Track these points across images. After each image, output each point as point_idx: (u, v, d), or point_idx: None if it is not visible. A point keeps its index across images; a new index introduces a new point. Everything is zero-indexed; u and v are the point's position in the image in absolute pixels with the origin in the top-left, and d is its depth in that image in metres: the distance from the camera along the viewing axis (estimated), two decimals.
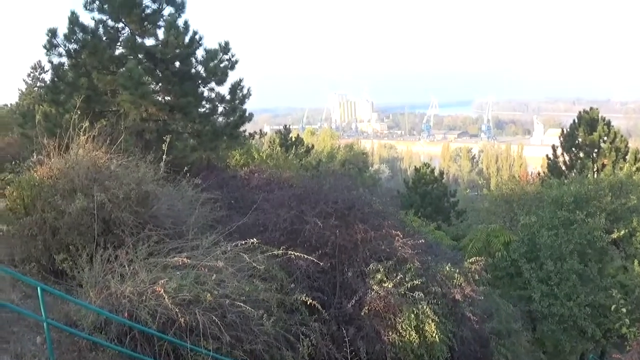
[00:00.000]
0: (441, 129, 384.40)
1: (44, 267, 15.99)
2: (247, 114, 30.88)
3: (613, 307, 22.36)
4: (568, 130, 57.03)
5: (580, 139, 54.56)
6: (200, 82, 29.71)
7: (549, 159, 57.36)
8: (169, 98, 29.41)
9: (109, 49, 28.48)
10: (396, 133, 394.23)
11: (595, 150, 53.56)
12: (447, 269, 18.58)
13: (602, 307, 27.18)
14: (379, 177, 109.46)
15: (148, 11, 29.05)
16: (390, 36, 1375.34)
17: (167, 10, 29.52)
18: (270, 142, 60.79)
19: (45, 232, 16.13)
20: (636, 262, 29.02)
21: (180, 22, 28.99)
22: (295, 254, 15.86)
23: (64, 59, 28.52)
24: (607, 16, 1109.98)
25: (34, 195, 16.82)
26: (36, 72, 72.91)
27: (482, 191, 69.03)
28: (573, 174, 49.93)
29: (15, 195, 17.27)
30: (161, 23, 29.22)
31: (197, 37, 29.38)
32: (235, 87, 30.46)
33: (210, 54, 29.33)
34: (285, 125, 79.59)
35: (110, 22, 29.01)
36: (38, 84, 69.89)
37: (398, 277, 17.00)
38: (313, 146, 79.42)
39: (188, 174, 19.86)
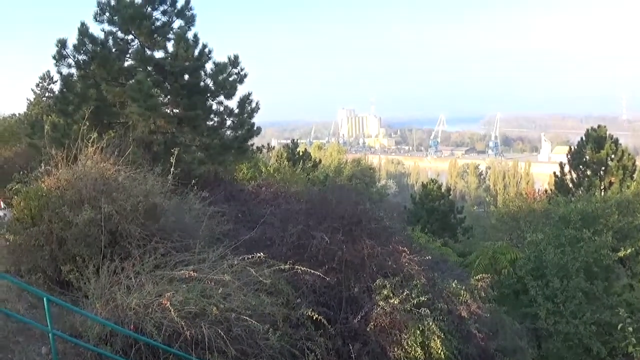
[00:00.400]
0: (449, 145, 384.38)
1: (50, 277, 16.02)
2: (255, 128, 30.86)
3: (620, 325, 22.26)
4: (576, 147, 56.95)
5: (587, 157, 54.42)
6: (209, 95, 29.71)
7: (556, 176, 57.25)
8: (177, 111, 29.42)
9: (118, 60, 28.50)
10: (404, 148, 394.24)
11: (603, 168, 53.38)
12: (454, 285, 18.57)
13: (608, 325, 27.04)
14: (386, 192, 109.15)
15: (158, 24, 29.11)
16: (398, 52, 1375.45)
17: (177, 23, 29.61)
18: (277, 156, 60.75)
19: (52, 242, 16.16)
20: None
21: (190, 35, 29.02)
22: (302, 268, 15.86)
23: (73, 70, 28.52)
24: (615, 34, 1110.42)
25: (42, 206, 16.82)
26: (45, 82, 72.82)
27: (489, 208, 69.05)
28: (580, 192, 49.84)
29: (22, 206, 17.27)
30: (171, 36, 29.23)
31: (206, 50, 29.42)
32: (244, 100, 30.45)
33: (220, 68, 29.34)
34: (293, 140, 79.57)
35: (119, 34, 29.04)
36: (46, 94, 69.91)
37: (404, 293, 16.97)
38: (320, 160, 79.40)
39: (195, 187, 19.87)
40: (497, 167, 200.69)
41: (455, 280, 19.05)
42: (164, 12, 29.26)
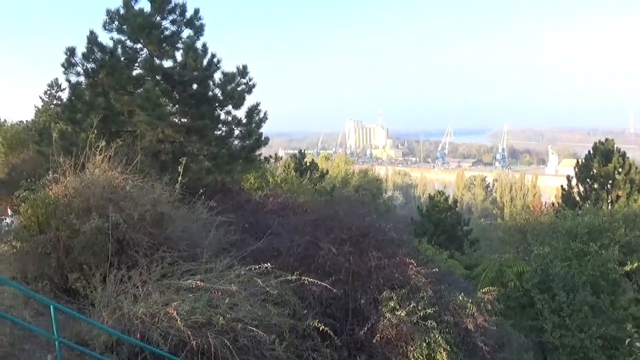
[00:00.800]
0: (456, 157, 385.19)
1: (56, 285, 16.01)
2: (263, 138, 30.90)
3: (627, 340, 22.21)
4: (583, 161, 56.94)
5: (595, 170, 54.43)
6: (217, 105, 29.73)
7: (563, 189, 57.19)
8: (185, 120, 29.47)
9: (127, 69, 28.56)
10: (411, 160, 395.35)
11: (610, 181, 53.39)
12: (460, 298, 18.49)
13: (614, 339, 26.97)
14: (392, 203, 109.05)
15: (167, 33, 29.20)
16: (406, 63, 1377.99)
17: (186, 32, 29.74)
18: (285, 166, 60.75)
19: (59, 250, 16.15)
20: None
21: (198, 44, 29.10)
22: (309, 279, 15.84)
23: (82, 78, 28.63)
24: (623, 47, 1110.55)
25: (49, 214, 16.82)
26: (53, 89, 73.09)
27: (496, 220, 68.89)
28: (587, 205, 49.66)
29: (30, 213, 17.27)
30: (180, 45, 29.31)
31: (215, 60, 29.49)
32: (252, 111, 30.49)
33: (228, 78, 29.38)
34: (300, 150, 79.55)
35: (128, 43, 29.13)
36: (54, 102, 70.08)
37: (411, 306, 16.94)
38: (327, 171, 79.35)
39: (203, 197, 19.85)
40: (504, 179, 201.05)
41: (462, 293, 18.97)
42: (173, 22, 29.38)
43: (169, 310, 12.81)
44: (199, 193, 19.76)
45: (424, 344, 16.51)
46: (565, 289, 27.74)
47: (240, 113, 30.48)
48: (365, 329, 16.74)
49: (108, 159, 18.08)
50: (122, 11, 28.39)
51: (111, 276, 14.30)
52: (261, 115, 30.89)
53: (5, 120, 69.68)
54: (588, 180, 54.81)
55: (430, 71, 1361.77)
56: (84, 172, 17.61)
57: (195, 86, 29.20)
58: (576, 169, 56.51)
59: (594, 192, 53.38)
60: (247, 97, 30.17)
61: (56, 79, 71.90)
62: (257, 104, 30.74)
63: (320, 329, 15.28)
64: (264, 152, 34.13)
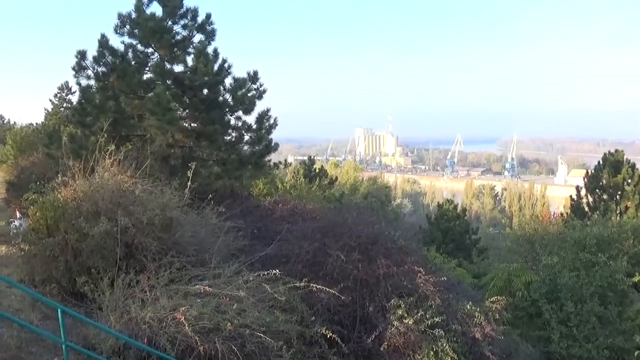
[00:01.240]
0: (465, 165, 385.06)
1: (64, 288, 16.03)
2: (272, 144, 30.78)
3: (636, 353, 22.16)
4: (592, 171, 56.90)
5: (604, 181, 54.27)
6: (227, 110, 29.68)
7: (572, 199, 57.08)
8: (195, 125, 29.45)
9: (137, 73, 28.58)
10: (420, 168, 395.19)
11: (619, 192, 53.26)
12: (468, 307, 18.44)
13: (621, 350, 26.91)
14: (401, 211, 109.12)
15: (178, 38, 29.21)
16: (417, 71, 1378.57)
17: (197, 37, 29.72)
18: (294, 172, 60.75)
19: (67, 253, 16.17)
20: None
21: (210, 49, 29.12)
22: (317, 286, 15.83)
23: (92, 82, 28.65)
24: (632, 58, 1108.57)
25: (58, 217, 16.84)
26: (63, 92, 73.32)
27: (505, 230, 68.68)
28: (596, 216, 49.58)
29: (38, 216, 17.30)
30: (191, 50, 29.36)
31: (226, 65, 29.43)
32: (262, 116, 30.42)
33: (239, 83, 29.31)
34: (310, 156, 79.65)
35: (139, 47, 29.15)
36: (64, 105, 70.25)
37: (419, 314, 16.90)
38: (337, 178, 79.36)
39: (212, 202, 19.82)
40: (513, 188, 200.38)
41: (470, 302, 18.93)
42: (184, 26, 29.37)
43: (177, 315, 12.81)
44: (208, 198, 19.73)
45: (432, 353, 16.48)
46: (573, 299, 27.68)
47: (251, 119, 30.44)
48: (373, 336, 16.70)
49: (117, 162, 18.13)
50: (133, 15, 28.42)
51: (119, 280, 14.31)
52: (271, 121, 30.81)
53: (15, 122, 69.91)
54: (597, 190, 54.68)
55: (440, 79, 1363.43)
56: (93, 175, 17.63)
57: (205, 91, 29.17)
58: (585, 180, 56.41)
59: (603, 203, 53.23)
60: (258, 102, 30.15)
61: (66, 81, 72.23)
62: (268, 110, 30.68)
63: (328, 336, 15.27)
64: (274, 158, 34.09)
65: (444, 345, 16.53)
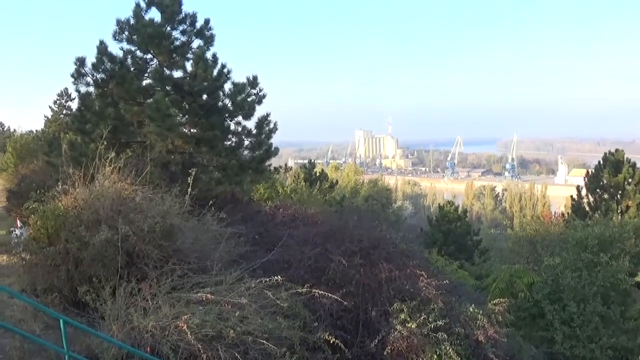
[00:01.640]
0: (465, 166, 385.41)
1: (66, 297, 16.00)
2: (273, 149, 30.70)
3: None
4: (593, 171, 56.97)
5: (605, 180, 54.30)
6: (227, 115, 29.60)
7: (573, 199, 57.10)
8: (195, 131, 29.38)
9: (136, 79, 28.48)
10: (420, 170, 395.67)
11: (620, 192, 53.28)
12: (471, 310, 18.43)
13: (625, 350, 26.99)
14: (402, 213, 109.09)
15: (177, 43, 29.13)
16: (416, 73, 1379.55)
17: (196, 43, 29.60)
18: (294, 176, 60.78)
19: (69, 262, 16.15)
20: None
21: (208, 55, 29.04)
22: (319, 292, 15.81)
23: (92, 88, 28.54)
24: (632, 58, 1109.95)
25: (58, 225, 16.81)
26: (62, 99, 73.30)
27: (506, 230, 68.72)
28: (597, 215, 49.59)
29: (39, 225, 17.27)
30: (190, 55, 29.26)
31: (225, 70, 29.36)
32: (262, 121, 30.34)
33: (238, 88, 29.25)
34: (310, 160, 79.79)
35: (138, 53, 29.05)
36: (64, 112, 70.26)
37: (422, 318, 16.90)
38: (337, 181, 79.54)
39: (213, 208, 19.77)
40: (513, 189, 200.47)
41: (473, 304, 18.91)
42: (183, 32, 29.31)
43: (179, 323, 12.81)
44: (208, 204, 19.68)
45: (435, 356, 16.52)
46: (575, 299, 27.73)
47: (250, 124, 30.34)
48: (376, 341, 16.71)
49: (118, 170, 18.10)
50: (132, 21, 28.34)
51: (121, 289, 14.31)
52: (271, 125, 30.71)
53: (14, 130, 69.96)
54: (598, 190, 54.70)
55: (439, 80, 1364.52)
56: (94, 183, 17.61)
57: (205, 97, 29.08)
58: (586, 180, 56.47)
59: (604, 203, 53.25)
60: (258, 107, 30.07)
61: (66, 88, 72.20)
62: (267, 115, 30.58)
63: (331, 342, 15.25)
64: (274, 162, 34.05)
65: (447, 348, 16.53)
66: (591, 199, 54.97)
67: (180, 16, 29.07)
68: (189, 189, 19.29)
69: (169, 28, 28.84)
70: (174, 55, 29.17)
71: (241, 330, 13.28)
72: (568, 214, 57.13)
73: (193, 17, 29.33)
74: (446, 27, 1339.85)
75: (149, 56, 29.22)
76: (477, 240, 61.27)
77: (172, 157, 28.68)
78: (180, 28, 29.24)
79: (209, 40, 29.61)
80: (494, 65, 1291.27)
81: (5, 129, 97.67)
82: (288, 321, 14.50)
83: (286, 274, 16.34)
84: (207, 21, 29.69)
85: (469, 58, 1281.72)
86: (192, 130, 29.53)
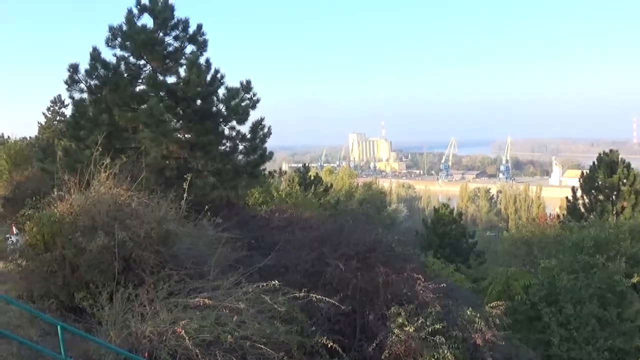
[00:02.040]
0: (459, 168, 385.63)
1: (63, 304, 15.99)
2: (267, 153, 30.73)
3: None
4: (588, 172, 56.94)
5: (600, 181, 54.27)
6: (221, 120, 29.60)
7: (568, 201, 57.08)
8: (189, 136, 29.36)
9: (130, 85, 28.54)
10: (414, 172, 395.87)
11: (615, 192, 53.25)
12: (468, 313, 18.40)
13: (621, 351, 26.98)
14: (396, 216, 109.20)
15: (170, 49, 29.18)
16: (409, 75, 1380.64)
17: (189, 48, 29.67)
18: (289, 180, 60.81)
19: (65, 269, 16.16)
20: None
21: (202, 60, 29.09)
22: (317, 296, 15.79)
23: (85, 95, 28.56)
24: (626, 58, 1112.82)
25: (54, 232, 16.82)
26: (56, 106, 73.21)
27: (501, 233, 68.76)
28: (592, 217, 49.61)
29: (35, 231, 17.27)
30: (183, 61, 29.30)
31: (218, 75, 29.41)
32: (256, 126, 30.34)
33: (232, 93, 29.25)
34: (304, 164, 79.96)
35: (132, 59, 29.08)
36: (58, 118, 70.20)
37: (419, 321, 16.89)
38: (332, 185, 79.51)
39: (208, 213, 19.75)
40: (508, 191, 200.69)
41: (470, 308, 18.89)
42: (176, 38, 29.34)
43: (177, 328, 12.81)
44: (204, 209, 19.66)
45: None
46: (572, 301, 27.72)
47: (245, 128, 30.36)
48: (374, 345, 16.69)
49: (113, 176, 18.08)
50: (124, 28, 28.38)
51: (118, 294, 14.29)
52: (265, 130, 30.74)
53: (8, 136, 69.88)
54: (593, 191, 54.73)
55: (432, 82, 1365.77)
56: (89, 189, 17.60)
57: (199, 102, 29.11)
58: (581, 180, 56.42)
59: (599, 204, 53.27)
60: (252, 112, 30.07)
61: (59, 95, 72.08)
62: (262, 119, 30.59)
63: (329, 346, 15.27)
64: (268, 166, 34.04)
65: (445, 352, 16.50)
66: (586, 200, 54.96)
67: (173, 22, 29.12)
68: (185, 194, 19.28)
69: (161, 34, 28.89)
70: (167, 61, 29.22)
71: (239, 335, 13.27)
72: (563, 215, 57.11)
73: (185, 23, 29.38)
74: (439, 29, 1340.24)
75: (142, 62, 29.28)
76: (473, 243, 61.45)
77: (167, 162, 28.64)
78: (173, 34, 29.29)
79: (201, 46, 29.66)
80: (486, 67, 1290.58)
81: None
82: (285, 326, 14.49)
83: (283, 279, 16.34)
84: (199, 26, 29.78)
85: (461, 60, 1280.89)
86: (186, 135, 29.52)
